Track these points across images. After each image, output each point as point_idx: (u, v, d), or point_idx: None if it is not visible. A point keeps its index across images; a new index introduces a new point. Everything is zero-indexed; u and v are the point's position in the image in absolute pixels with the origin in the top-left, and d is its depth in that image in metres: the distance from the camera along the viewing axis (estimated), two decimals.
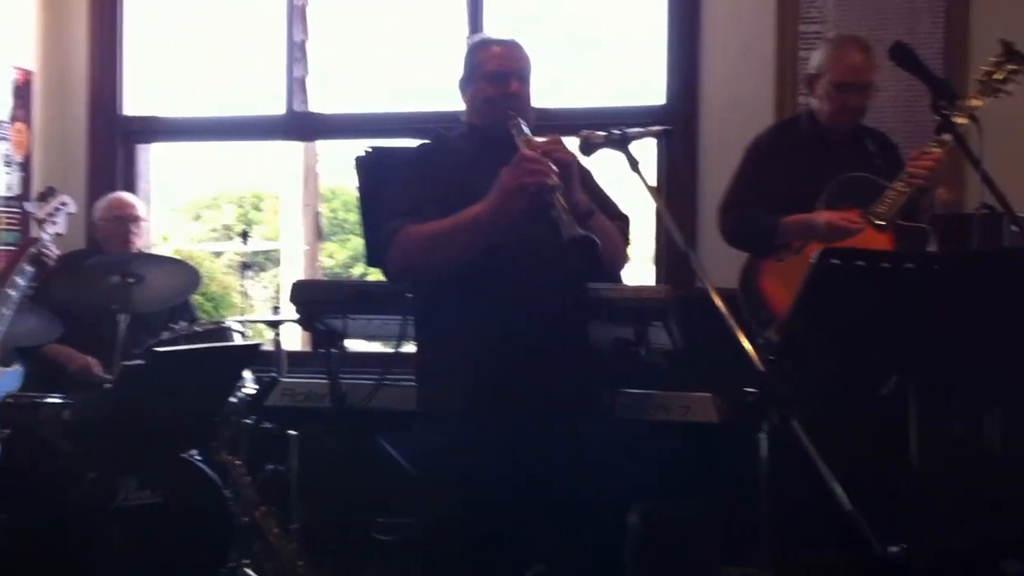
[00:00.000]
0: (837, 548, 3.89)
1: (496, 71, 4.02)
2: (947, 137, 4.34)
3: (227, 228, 12.87)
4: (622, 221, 4.13)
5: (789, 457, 2.89)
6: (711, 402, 4.78)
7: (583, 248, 3.43)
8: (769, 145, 4.87)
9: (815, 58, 4.85)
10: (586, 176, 4.05)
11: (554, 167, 3.60)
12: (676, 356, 4.66)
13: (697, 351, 4.46)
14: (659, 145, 6.05)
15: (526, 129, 3.85)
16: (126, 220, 5.87)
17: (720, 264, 4.64)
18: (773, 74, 5.84)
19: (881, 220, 4.43)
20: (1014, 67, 4.48)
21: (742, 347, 2.96)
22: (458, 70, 4.16)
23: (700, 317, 3.16)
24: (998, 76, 4.48)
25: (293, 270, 7.31)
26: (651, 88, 6.24)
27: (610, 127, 3.56)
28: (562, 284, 3.88)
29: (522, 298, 3.79)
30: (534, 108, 4.07)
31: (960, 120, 4.11)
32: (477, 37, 4.35)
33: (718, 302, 3.05)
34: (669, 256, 6.07)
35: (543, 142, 3.76)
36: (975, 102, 4.37)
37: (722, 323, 3.02)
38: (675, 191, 5.97)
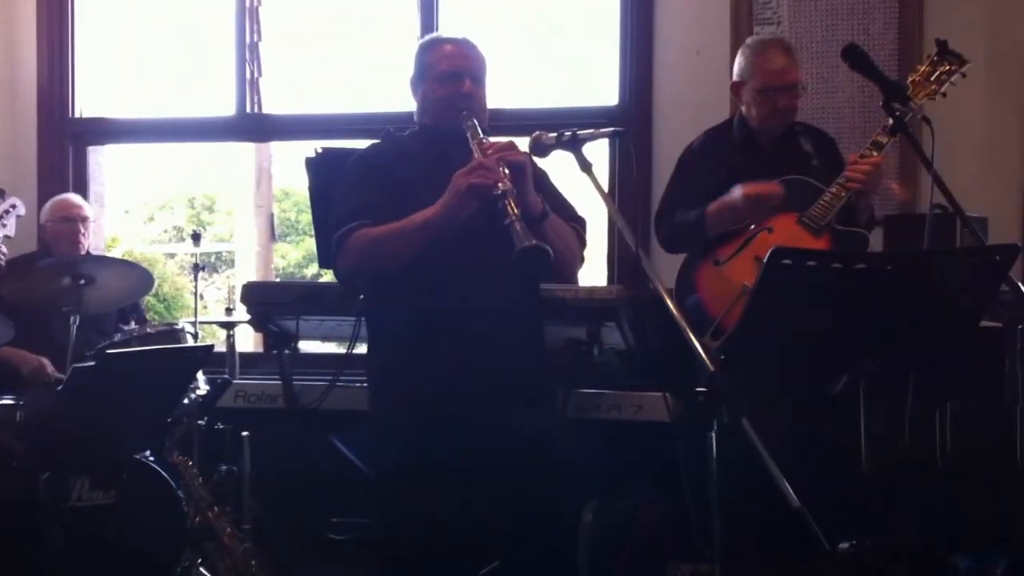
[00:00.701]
0: (787, 545, 3.92)
1: (448, 71, 4.02)
2: (885, 140, 4.36)
3: (179, 230, 12.86)
4: (578, 224, 4.13)
5: (739, 455, 2.91)
6: (663, 401, 4.79)
7: (534, 258, 3.44)
8: (702, 153, 4.82)
9: (737, 65, 4.79)
10: (542, 178, 4.06)
11: (506, 170, 3.61)
12: (628, 355, 4.67)
13: (649, 351, 4.48)
14: (611, 146, 6.07)
15: (480, 131, 3.85)
16: (74, 221, 5.86)
17: (672, 265, 4.67)
18: (727, 75, 5.83)
19: (816, 224, 4.41)
20: (948, 67, 4.47)
21: (693, 347, 2.97)
22: (410, 70, 4.16)
23: (652, 317, 3.17)
24: (934, 76, 4.47)
25: (246, 271, 7.29)
26: (604, 89, 6.25)
27: (562, 128, 3.56)
28: (515, 285, 3.89)
29: (474, 298, 3.80)
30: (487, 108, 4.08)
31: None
32: (428, 36, 4.34)
33: (669, 303, 3.07)
34: (622, 256, 6.08)
35: (496, 144, 3.76)
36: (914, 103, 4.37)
37: (673, 323, 3.03)
38: (628, 192, 5.98)
